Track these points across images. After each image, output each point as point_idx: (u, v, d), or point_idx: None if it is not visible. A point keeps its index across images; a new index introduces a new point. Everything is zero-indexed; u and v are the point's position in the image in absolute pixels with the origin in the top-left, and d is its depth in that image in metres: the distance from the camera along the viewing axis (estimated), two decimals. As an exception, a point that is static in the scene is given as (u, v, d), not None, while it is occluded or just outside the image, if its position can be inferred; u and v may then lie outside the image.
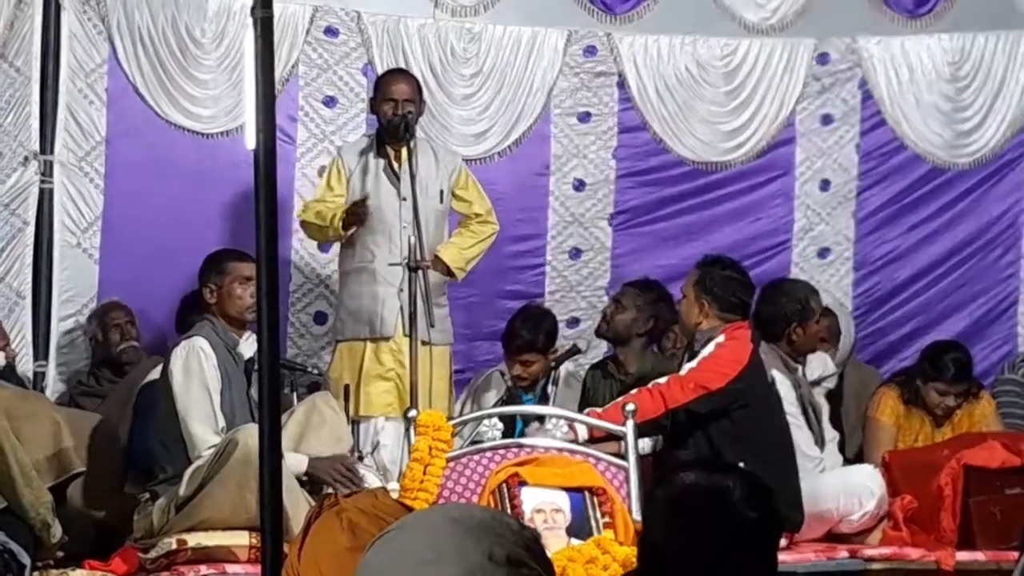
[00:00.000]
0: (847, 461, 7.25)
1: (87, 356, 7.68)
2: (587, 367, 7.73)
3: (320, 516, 5.00)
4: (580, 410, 6.71)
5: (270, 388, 4.18)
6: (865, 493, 6.74)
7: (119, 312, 7.55)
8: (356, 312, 7.21)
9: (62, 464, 6.07)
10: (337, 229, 7.11)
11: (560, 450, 5.84)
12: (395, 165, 7.17)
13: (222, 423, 6.07)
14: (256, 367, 5.75)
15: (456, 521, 2.18)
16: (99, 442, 6.59)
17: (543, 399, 7.38)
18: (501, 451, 5.75)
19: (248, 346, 6.22)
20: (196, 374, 6.10)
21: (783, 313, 7.02)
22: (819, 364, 7.56)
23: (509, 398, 7.23)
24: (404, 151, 7.08)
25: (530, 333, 7.42)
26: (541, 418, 6.36)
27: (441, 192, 7.26)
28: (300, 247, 7.94)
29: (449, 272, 7.27)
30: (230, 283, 6.26)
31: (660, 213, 8.62)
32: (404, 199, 7.04)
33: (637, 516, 5.46)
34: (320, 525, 4.94)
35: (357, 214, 7.05)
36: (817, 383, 7.25)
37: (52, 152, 7.62)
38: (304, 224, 7.30)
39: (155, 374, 6.92)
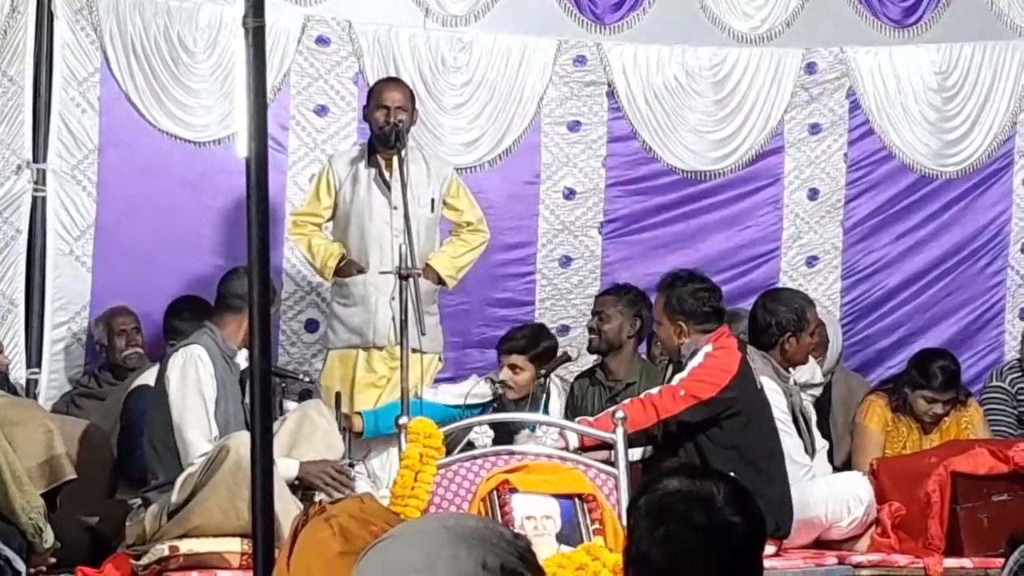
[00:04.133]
0: (835, 469, 7.26)
1: (80, 364, 7.70)
2: (575, 375, 7.75)
3: (307, 523, 5.01)
4: (568, 418, 6.74)
5: (261, 395, 4.21)
6: (853, 500, 6.74)
7: (126, 318, 7.57)
8: (348, 321, 7.25)
9: (54, 471, 6.08)
10: (325, 278, 7.35)
11: (550, 457, 5.86)
12: (386, 174, 7.21)
13: (215, 431, 6.08)
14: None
15: (449, 530, 2.20)
16: (89, 448, 6.61)
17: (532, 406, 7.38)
18: (491, 458, 5.76)
19: (245, 357, 6.23)
20: (192, 382, 6.11)
21: (778, 322, 7.02)
22: (807, 371, 7.59)
23: (499, 405, 7.24)
24: (395, 160, 7.13)
25: (525, 339, 7.33)
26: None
27: (432, 201, 7.30)
28: (291, 255, 7.97)
29: (440, 280, 7.32)
30: None
31: (649, 222, 8.65)
32: (395, 208, 7.08)
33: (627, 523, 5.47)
34: (309, 532, 4.94)
35: (351, 273, 7.20)
36: (803, 388, 7.28)
37: (45, 160, 7.66)
38: (291, 241, 7.44)
39: (143, 379, 6.95)
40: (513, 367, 7.22)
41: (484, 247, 7.53)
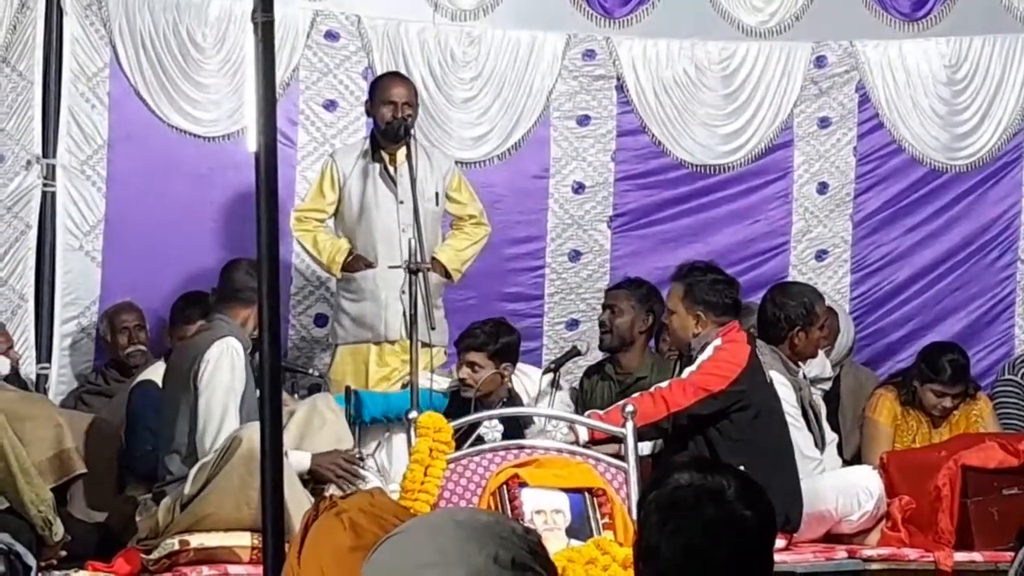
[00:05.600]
0: (845, 463, 7.27)
1: (90, 359, 7.71)
2: (583, 370, 7.73)
3: (318, 518, 5.02)
4: (577, 413, 6.73)
5: (271, 389, 4.22)
6: (863, 494, 6.74)
7: (130, 315, 7.55)
8: (359, 316, 7.27)
9: (64, 465, 6.09)
10: (333, 273, 7.35)
11: (560, 451, 5.87)
12: (391, 169, 7.23)
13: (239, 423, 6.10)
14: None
15: (461, 524, 2.20)
16: (97, 442, 6.61)
17: None
18: (501, 452, 5.77)
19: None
20: (227, 373, 6.10)
21: (787, 316, 7.01)
22: (817, 364, 7.60)
23: (510, 400, 7.23)
24: (400, 154, 7.16)
25: (484, 334, 6.95)
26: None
27: (436, 195, 7.31)
28: (300, 250, 7.96)
29: (446, 274, 7.33)
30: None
31: (659, 216, 8.65)
32: (402, 202, 7.10)
33: (637, 517, 5.47)
34: (319, 527, 4.95)
35: (359, 268, 7.21)
36: (812, 383, 7.28)
37: (54, 156, 7.67)
38: (295, 237, 7.42)
39: (147, 374, 6.93)
40: (472, 364, 6.90)
41: (486, 240, 7.55)
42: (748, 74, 8.68)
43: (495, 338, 6.92)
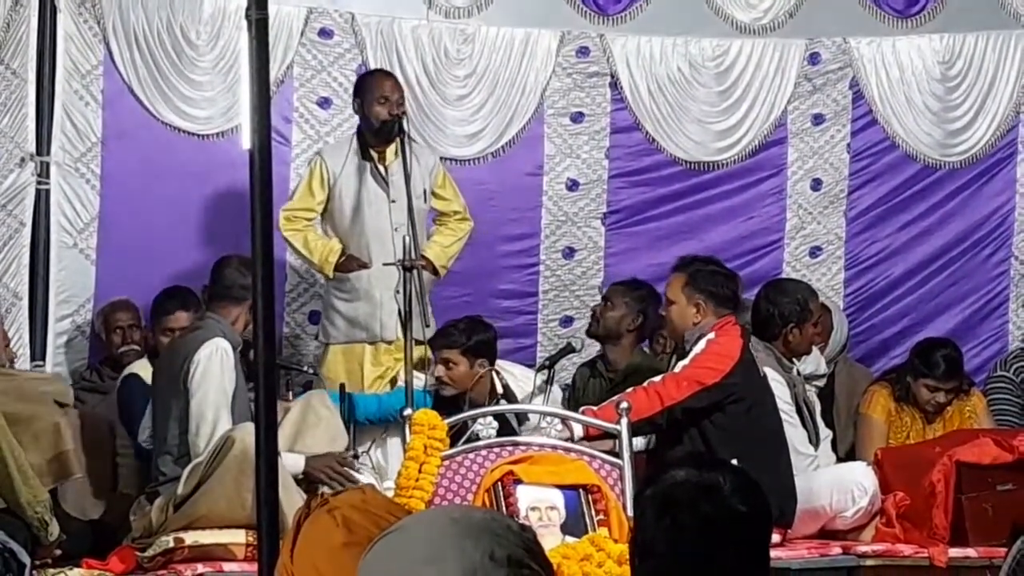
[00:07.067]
0: (839, 459, 7.28)
1: (84, 356, 7.71)
2: (576, 366, 7.74)
3: (310, 516, 5.02)
4: (570, 408, 6.73)
5: (266, 387, 4.22)
6: (858, 490, 6.75)
7: (124, 314, 7.53)
8: (352, 316, 7.26)
9: (62, 467, 6.08)
10: (325, 274, 7.32)
11: (555, 448, 5.87)
12: (380, 168, 7.22)
13: (231, 424, 6.10)
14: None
15: (456, 521, 2.21)
16: (86, 436, 6.60)
17: None
18: (496, 449, 5.77)
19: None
20: (217, 376, 6.10)
21: (781, 313, 7.04)
22: (812, 361, 7.60)
23: (505, 396, 7.23)
24: (388, 152, 7.16)
25: (458, 332, 6.97)
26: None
27: (424, 192, 7.31)
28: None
29: (434, 270, 7.33)
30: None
31: (653, 213, 8.65)
32: (394, 201, 7.10)
33: (631, 513, 5.48)
34: (311, 524, 4.95)
35: (353, 269, 7.19)
36: (808, 380, 7.29)
37: (48, 153, 7.66)
38: (284, 236, 7.39)
39: (133, 368, 6.93)
40: (447, 362, 6.91)
41: (469, 235, 7.55)
42: (742, 71, 8.68)
43: (468, 335, 6.95)
